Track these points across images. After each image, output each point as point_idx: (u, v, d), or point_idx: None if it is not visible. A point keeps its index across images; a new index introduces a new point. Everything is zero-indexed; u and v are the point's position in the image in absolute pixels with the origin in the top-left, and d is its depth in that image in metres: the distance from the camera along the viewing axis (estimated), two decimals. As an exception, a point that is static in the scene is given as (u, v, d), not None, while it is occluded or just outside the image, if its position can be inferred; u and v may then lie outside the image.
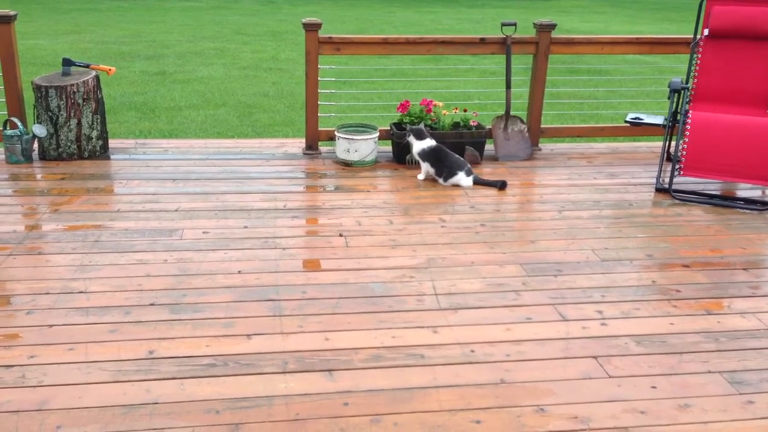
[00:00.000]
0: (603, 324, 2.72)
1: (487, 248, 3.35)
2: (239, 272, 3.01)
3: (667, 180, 4.18)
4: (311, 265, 3.12)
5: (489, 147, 4.83)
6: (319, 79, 4.69)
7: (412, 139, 4.31)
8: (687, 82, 4.37)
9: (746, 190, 4.27)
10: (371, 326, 2.63)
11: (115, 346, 2.43)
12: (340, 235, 3.45)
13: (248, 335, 2.53)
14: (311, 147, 4.79)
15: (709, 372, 2.42)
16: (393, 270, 3.10)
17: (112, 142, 4.80)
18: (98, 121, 4.51)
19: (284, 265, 3.10)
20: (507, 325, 2.68)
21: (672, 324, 2.73)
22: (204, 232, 3.41)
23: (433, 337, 2.57)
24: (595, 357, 2.49)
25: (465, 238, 3.46)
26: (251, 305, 2.74)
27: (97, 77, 4.54)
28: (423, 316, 2.72)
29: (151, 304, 2.71)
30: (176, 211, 3.66)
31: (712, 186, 4.32)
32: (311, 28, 4.58)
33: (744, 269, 3.23)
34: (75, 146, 4.43)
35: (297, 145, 4.95)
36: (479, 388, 2.29)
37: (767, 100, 4.21)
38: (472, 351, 2.49)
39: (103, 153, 4.57)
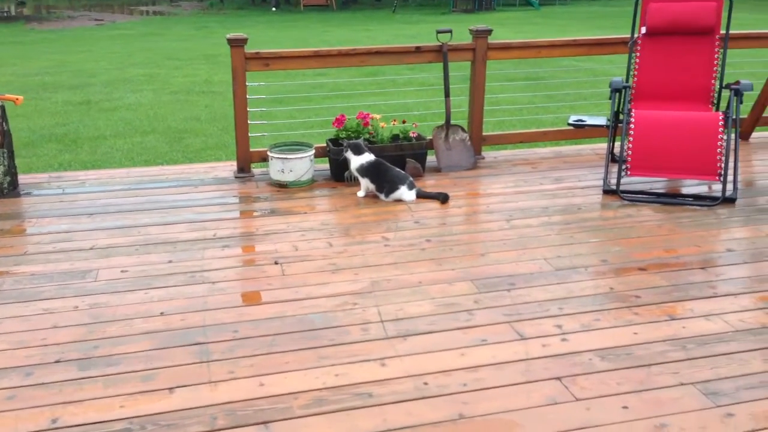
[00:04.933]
0: (563, 340, 2.51)
1: (435, 265, 3.12)
2: (161, 314, 2.69)
3: (614, 181, 4.06)
4: (244, 299, 2.83)
5: (431, 158, 4.63)
6: (249, 97, 4.41)
7: (349, 154, 4.07)
8: (627, 81, 4.28)
9: (692, 186, 4.19)
10: (312, 364, 2.35)
11: (11, 417, 2.08)
12: (276, 263, 3.16)
13: (170, 388, 2.21)
14: (243, 169, 4.49)
15: (682, 384, 2.23)
16: (334, 297, 2.83)
17: (23, 178, 4.38)
18: (5, 155, 4.11)
19: (213, 302, 2.79)
20: (461, 350, 2.44)
21: (636, 333, 2.55)
22: (122, 271, 3.06)
23: (381, 371, 2.31)
24: (558, 378, 2.27)
25: (410, 256, 3.23)
26: (174, 352, 2.42)
27: (2, 107, 4.14)
28: (369, 347, 2.46)
29: (57, 361, 2.36)
30: (91, 249, 3.31)
31: (659, 184, 4.22)
32: (237, 43, 4.31)
33: (701, 268, 3.10)
34: (-21, 185, 4.02)
35: (228, 168, 4.65)
36: (435, 427, 2.03)
37: (708, 94, 4.15)
38: (425, 384, 2.24)
39: (11, 190, 4.16)
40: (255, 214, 3.86)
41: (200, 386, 2.22)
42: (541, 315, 2.68)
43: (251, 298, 2.84)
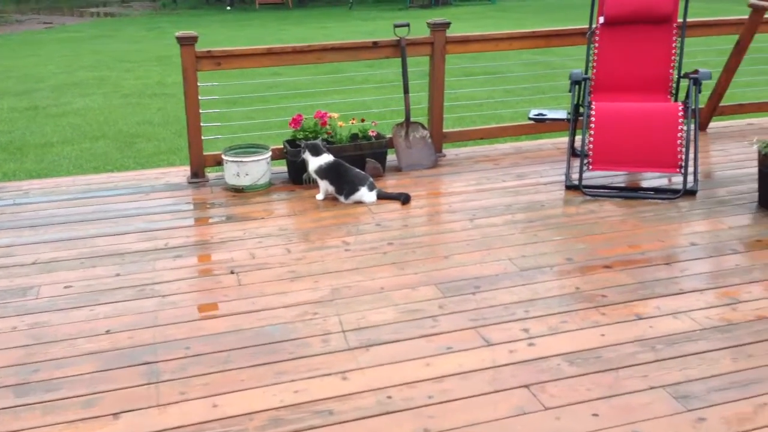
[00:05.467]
0: (531, 344, 2.43)
1: (397, 270, 3.02)
2: (107, 332, 2.53)
3: (575, 176, 4.01)
4: (197, 313, 2.68)
5: (391, 157, 4.53)
6: (201, 98, 4.24)
7: (307, 155, 3.94)
8: (586, 73, 4.24)
9: (653, 179, 4.17)
10: (269, 381, 2.23)
11: (-62, 453, 1.91)
12: (231, 273, 3.02)
13: (115, 414, 2.06)
14: (197, 174, 4.32)
15: (651, 388, 2.17)
16: (293, 307, 2.70)
17: (-40, 190, 4.14)
18: (-61, 166, 3.86)
19: (164, 317, 2.64)
20: (426, 360, 2.35)
21: (603, 335, 2.49)
22: (66, 287, 2.88)
23: (343, 386, 2.20)
24: (527, 386, 2.19)
25: (372, 260, 3.12)
26: (120, 373, 2.27)
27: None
28: (330, 360, 2.35)
29: (-9, 389, 2.19)
30: (33, 264, 3.11)
31: (619, 178, 4.20)
32: (186, 42, 4.15)
33: (666, 264, 3.06)
34: None
35: (181, 173, 4.46)
36: (400, 444, 1.94)
37: (667, 83, 4.13)
38: (389, 397, 2.14)
39: (-53, 203, 3.92)
40: (209, 221, 3.70)
41: (148, 410, 2.08)
42: (508, 319, 2.61)
43: (205, 312, 2.69)
